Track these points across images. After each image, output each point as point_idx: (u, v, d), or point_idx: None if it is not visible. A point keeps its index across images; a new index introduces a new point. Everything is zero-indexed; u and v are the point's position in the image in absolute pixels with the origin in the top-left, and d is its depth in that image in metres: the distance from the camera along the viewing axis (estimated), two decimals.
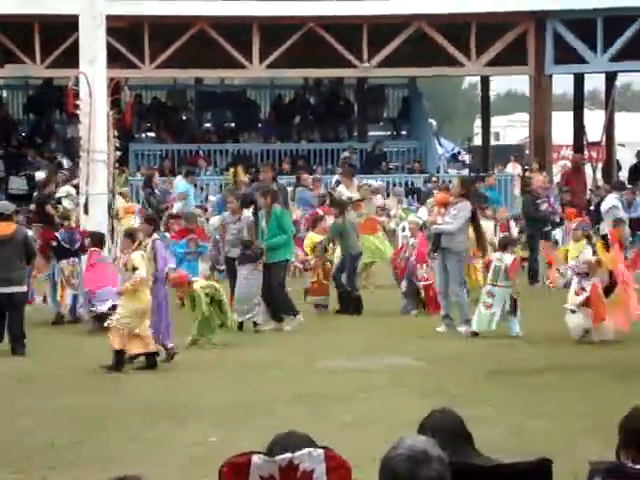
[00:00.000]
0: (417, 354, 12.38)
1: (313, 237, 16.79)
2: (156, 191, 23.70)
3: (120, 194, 17.50)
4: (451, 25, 28.79)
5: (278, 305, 14.33)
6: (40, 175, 26.21)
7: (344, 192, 20.45)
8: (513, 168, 34.63)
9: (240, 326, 14.06)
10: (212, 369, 11.78)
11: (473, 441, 4.54)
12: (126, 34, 27.15)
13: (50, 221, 19.48)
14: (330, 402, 10.02)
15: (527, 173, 29.54)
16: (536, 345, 12.91)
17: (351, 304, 15.69)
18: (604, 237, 12.83)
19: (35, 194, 24.16)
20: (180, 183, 25.05)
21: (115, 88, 18.40)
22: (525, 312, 13.91)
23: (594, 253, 12.77)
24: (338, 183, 22.72)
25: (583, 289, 12.69)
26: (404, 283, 15.61)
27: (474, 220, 14.08)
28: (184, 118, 35.23)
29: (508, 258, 13.64)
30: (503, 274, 13.48)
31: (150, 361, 11.75)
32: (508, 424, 8.87)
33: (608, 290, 12.74)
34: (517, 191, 31.08)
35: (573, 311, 12.70)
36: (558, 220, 20.69)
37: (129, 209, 19.68)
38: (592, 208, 24.77)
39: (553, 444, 8.38)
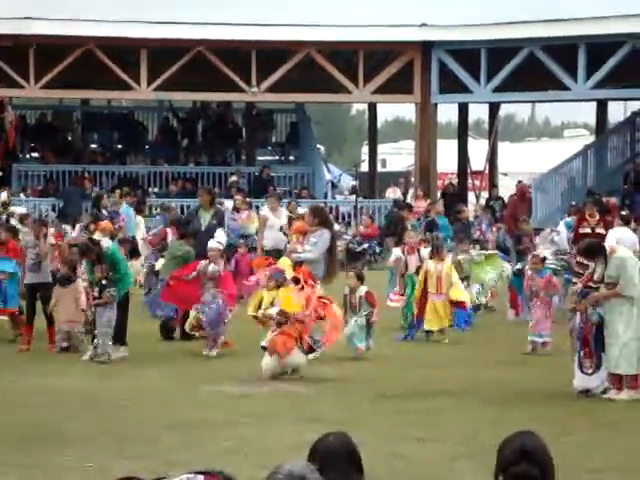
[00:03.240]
0: (301, 378, 12.39)
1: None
2: (104, 212, 23.52)
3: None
4: (339, 53, 29.12)
5: (116, 332, 13.94)
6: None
7: (269, 217, 19.84)
8: (393, 193, 35.04)
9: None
10: (90, 394, 11.60)
11: (362, 468, 4.57)
12: (11, 53, 26.74)
13: None
14: (210, 428, 9.95)
15: (412, 200, 29.94)
16: (424, 368, 13.09)
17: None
18: (294, 278, 12.78)
19: None
20: (123, 205, 25.13)
21: None
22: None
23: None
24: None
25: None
26: None
27: (331, 248, 14.26)
28: (69, 139, 34.83)
29: (363, 290, 14.10)
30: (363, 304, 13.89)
31: None
32: (387, 449, 8.94)
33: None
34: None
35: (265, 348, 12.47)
36: (490, 247, 20.68)
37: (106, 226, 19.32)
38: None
39: (431, 470, 8.49)
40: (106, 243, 14.75)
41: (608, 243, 16.32)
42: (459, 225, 21.33)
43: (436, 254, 15.69)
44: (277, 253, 17.53)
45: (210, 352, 14.11)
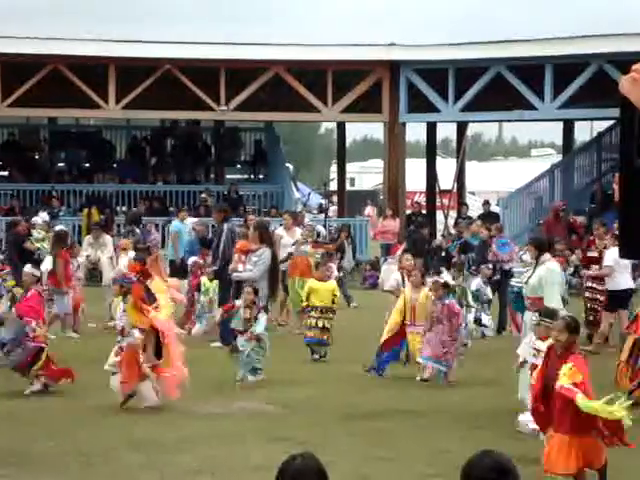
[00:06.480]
0: (269, 398, 12.33)
1: (311, 283, 15.28)
2: (137, 230, 23.55)
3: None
4: (308, 72, 29.15)
5: None
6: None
7: (283, 235, 19.68)
8: (372, 212, 35.00)
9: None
10: (50, 415, 11.45)
11: None
12: None
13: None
14: (176, 447, 9.87)
15: (381, 219, 29.97)
16: (391, 388, 13.04)
17: None
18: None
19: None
20: (173, 222, 25.06)
21: None
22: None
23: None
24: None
25: (121, 349, 12.05)
26: None
27: (273, 266, 14.07)
28: (36, 157, 34.63)
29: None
30: None
31: None
32: (354, 470, 8.90)
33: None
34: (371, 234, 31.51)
35: (114, 373, 11.98)
36: (507, 268, 20.33)
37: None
38: (443, 254, 25.19)
39: None
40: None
41: (606, 263, 16.18)
42: (479, 245, 21.09)
43: (414, 280, 14.11)
44: None
45: (31, 388, 12.62)
